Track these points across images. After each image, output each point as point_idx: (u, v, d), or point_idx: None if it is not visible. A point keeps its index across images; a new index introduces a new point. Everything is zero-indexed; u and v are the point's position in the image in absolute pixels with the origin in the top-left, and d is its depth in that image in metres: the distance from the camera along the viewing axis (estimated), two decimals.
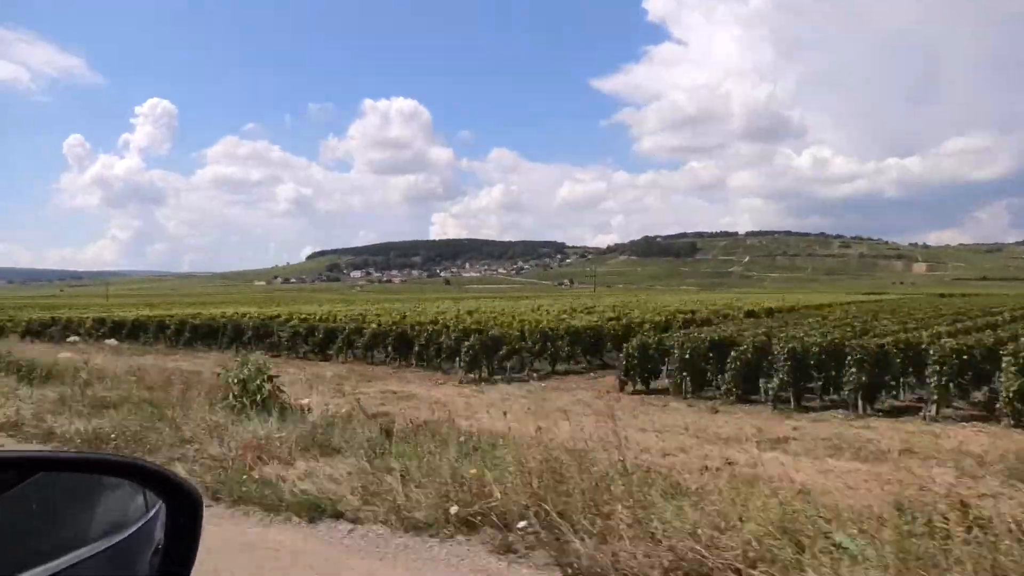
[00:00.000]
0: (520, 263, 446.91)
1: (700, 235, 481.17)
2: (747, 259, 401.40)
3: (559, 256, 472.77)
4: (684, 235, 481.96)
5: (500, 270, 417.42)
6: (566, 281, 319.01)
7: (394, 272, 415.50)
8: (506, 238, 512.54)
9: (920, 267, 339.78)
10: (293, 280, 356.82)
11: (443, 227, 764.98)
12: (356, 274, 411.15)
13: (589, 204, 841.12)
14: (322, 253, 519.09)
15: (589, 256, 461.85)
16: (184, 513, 1.22)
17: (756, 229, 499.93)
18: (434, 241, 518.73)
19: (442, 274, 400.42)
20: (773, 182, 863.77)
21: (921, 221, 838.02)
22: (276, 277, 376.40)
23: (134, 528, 1.22)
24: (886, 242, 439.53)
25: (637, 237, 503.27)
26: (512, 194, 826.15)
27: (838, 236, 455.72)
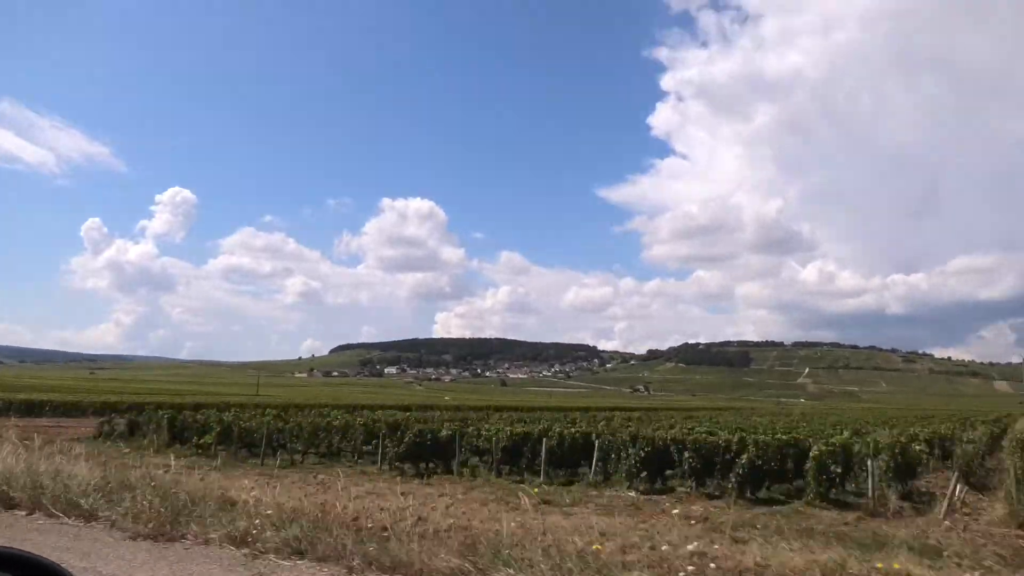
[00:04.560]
0: (557, 365, 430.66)
1: (744, 344, 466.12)
2: (807, 370, 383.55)
3: (596, 360, 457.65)
4: (729, 343, 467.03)
5: (544, 372, 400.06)
6: (640, 387, 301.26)
7: (429, 370, 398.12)
8: (509, 337, 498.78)
9: (1002, 385, 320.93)
10: (335, 373, 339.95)
11: (445, 326, 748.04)
12: (391, 370, 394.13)
13: (595, 309, 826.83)
14: (347, 347, 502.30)
15: (632, 362, 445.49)
16: None
17: (771, 339, 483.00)
18: (466, 339, 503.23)
19: (487, 374, 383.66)
20: (779, 294, 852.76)
21: (928, 337, 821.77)
22: (312, 370, 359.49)
23: None
24: (948, 358, 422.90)
25: (676, 343, 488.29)
26: (518, 295, 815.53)
27: (892, 350, 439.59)
